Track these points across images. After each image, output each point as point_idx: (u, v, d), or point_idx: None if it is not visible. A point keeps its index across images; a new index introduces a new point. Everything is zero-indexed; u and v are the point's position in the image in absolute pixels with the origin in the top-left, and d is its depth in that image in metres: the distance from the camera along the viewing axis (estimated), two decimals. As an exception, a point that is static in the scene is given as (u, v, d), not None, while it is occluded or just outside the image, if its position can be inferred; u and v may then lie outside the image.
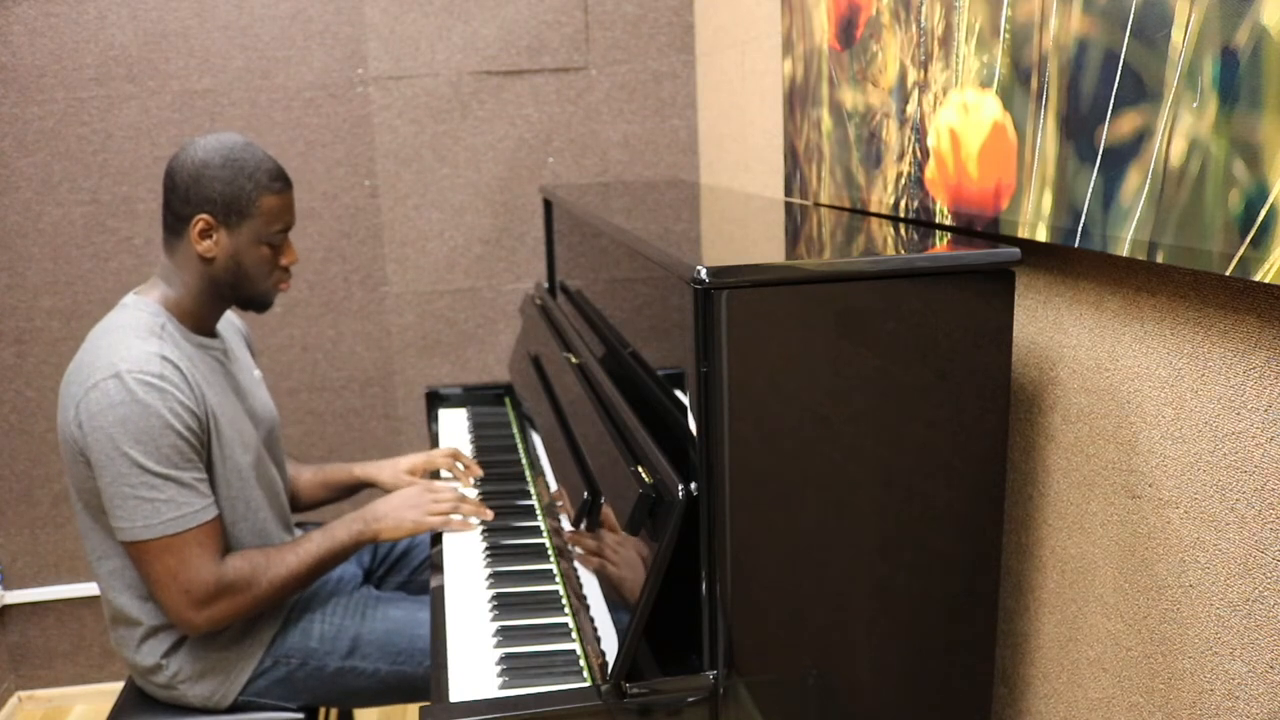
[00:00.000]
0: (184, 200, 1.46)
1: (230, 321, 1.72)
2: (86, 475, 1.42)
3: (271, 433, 1.68)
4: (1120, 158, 0.90)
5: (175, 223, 1.48)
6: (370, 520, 1.58)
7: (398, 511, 1.59)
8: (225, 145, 1.47)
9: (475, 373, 2.61)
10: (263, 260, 1.51)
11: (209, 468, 1.46)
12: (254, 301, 1.56)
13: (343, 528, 1.56)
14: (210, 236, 1.47)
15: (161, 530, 1.38)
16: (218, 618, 1.44)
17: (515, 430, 2.06)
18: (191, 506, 1.40)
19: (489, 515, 1.61)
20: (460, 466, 1.78)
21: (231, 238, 1.48)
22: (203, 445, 1.44)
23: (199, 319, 1.54)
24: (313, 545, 1.53)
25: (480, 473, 1.78)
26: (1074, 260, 1.06)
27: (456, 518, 1.60)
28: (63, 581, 2.56)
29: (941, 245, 1.07)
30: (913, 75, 1.27)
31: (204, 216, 1.46)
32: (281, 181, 1.50)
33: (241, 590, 1.45)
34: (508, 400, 2.25)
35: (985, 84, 1.11)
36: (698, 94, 2.52)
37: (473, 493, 1.73)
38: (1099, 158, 0.92)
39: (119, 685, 2.57)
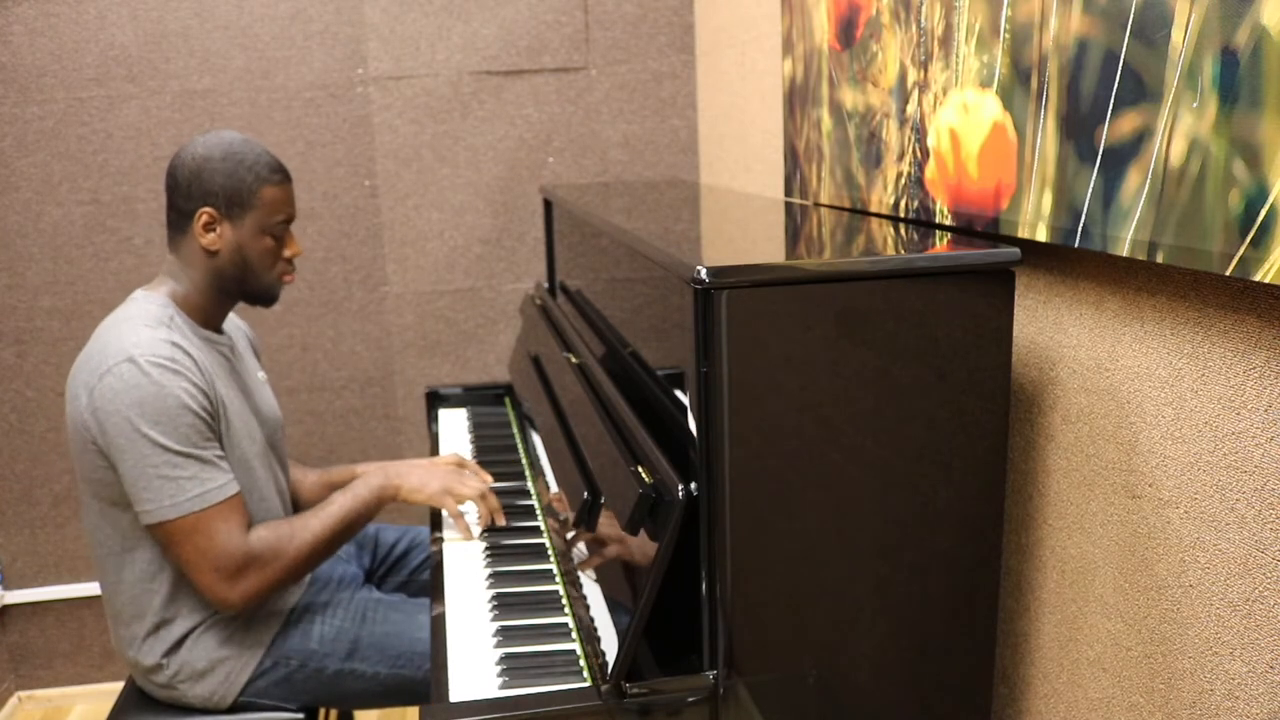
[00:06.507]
0: (186, 196, 1.48)
1: (236, 324, 1.73)
2: (98, 464, 1.43)
3: (275, 433, 1.68)
4: (1120, 158, 0.90)
5: (179, 219, 1.51)
6: (393, 475, 1.60)
7: (424, 476, 1.61)
8: (224, 141, 1.50)
9: (475, 373, 2.61)
10: (266, 252, 1.53)
11: None
12: (259, 295, 1.57)
13: (364, 484, 1.58)
14: (214, 230, 1.49)
15: (188, 508, 1.39)
16: (251, 592, 1.45)
17: (515, 430, 2.06)
18: (215, 482, 1.41)
19: (501, 521, 1.62)
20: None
21: (235, 230, 1.50)
22: (215, 428, 1.45)
23: (206, 314, 1.55)
24: (335, 507, 1.54)
25: (490, 479, 1.76)
26: (1074, 260, 1.06)
27: (473, 511, 1.61)
28: (63, 581, 2.56)
29: (941, 245, 1.07)
30: (913, 75, 1.27)
31: (207, 210, 1.48)
32: (281, 174, 1.53)
33: (270, 560, 1.45)
34: (508, 400, 2.25)
35: (985, 84, 1.11)
36: (698, 94, 2.52)
37: None
38: (1099, 158, 0.92)
39: (119, 685, 2.57)
